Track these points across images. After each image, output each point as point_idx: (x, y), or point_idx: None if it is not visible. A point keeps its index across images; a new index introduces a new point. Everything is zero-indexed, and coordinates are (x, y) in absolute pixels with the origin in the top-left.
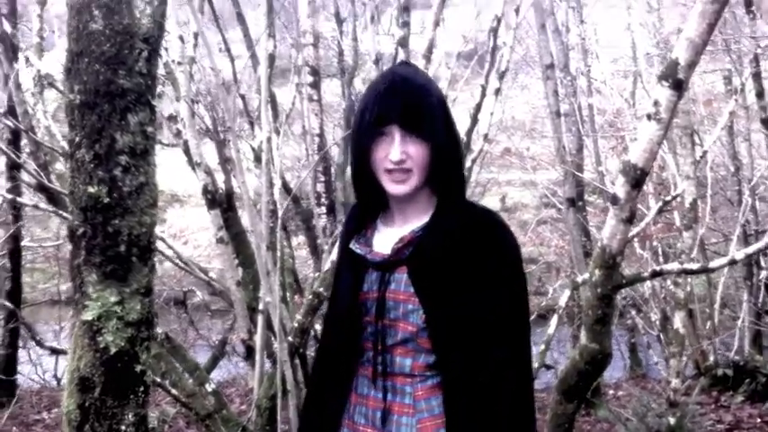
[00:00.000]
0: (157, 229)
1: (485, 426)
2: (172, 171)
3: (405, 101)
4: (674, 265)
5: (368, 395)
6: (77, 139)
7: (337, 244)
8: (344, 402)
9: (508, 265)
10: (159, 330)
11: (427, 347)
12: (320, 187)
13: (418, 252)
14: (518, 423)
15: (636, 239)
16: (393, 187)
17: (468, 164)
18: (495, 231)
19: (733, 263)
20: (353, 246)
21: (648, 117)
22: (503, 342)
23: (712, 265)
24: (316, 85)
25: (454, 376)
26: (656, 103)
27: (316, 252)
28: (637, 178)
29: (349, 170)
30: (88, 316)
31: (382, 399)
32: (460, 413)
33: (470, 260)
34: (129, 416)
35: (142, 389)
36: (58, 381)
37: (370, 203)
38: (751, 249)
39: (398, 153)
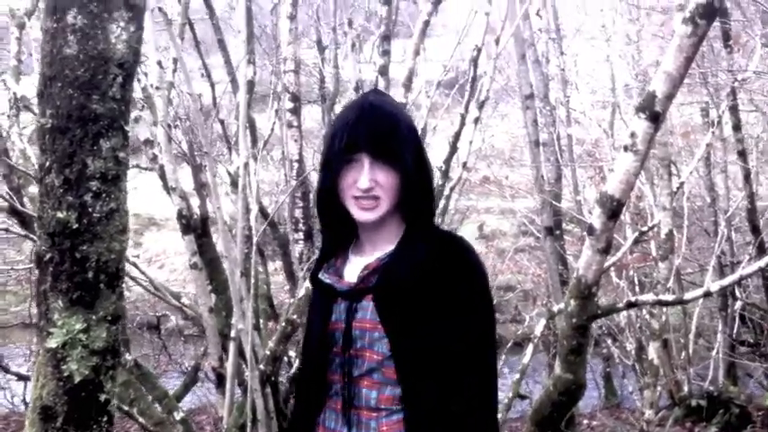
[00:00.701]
0: (134, 253)
1: None
2: (149, 195)
3: (373, 128)
4: (649, 296)
5: (335, 429)
6: (48, 163)
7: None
8: None
9: (476, 293)
10: (129, 357)
11: (393, 378)
12: (298, 213)
13: (383, 279)
14: None
15: (612, 269)
16: (360, 214)
17: (446, 191)
18: (462, 258)
19: (708, 295)
20: (322, 275)
21: (625, 148)
22: (471, 372)
23: (687, 296)
24: (296, 111)
25: (419, 406)
26: (632, 135)
27: (291, 278)
28: (613, 209)
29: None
30: (52, 343)
31: None
32: None
33: (437, 287)
34: None
35: (106, 419)
36: (27, 405)
37: (340, 232)
38: (725, 282)
39: (367, 181)
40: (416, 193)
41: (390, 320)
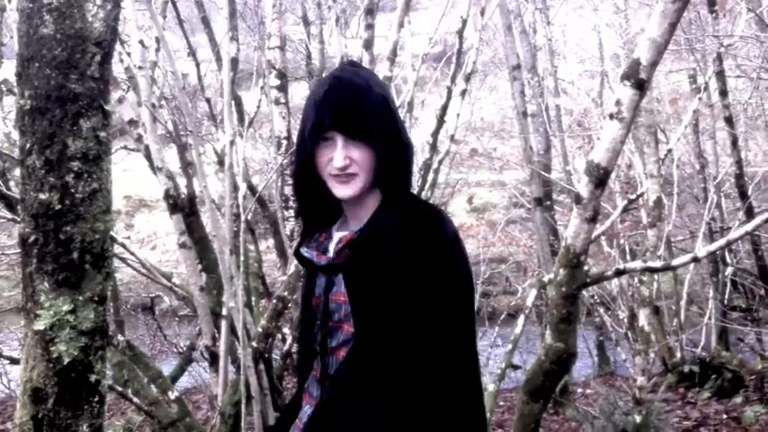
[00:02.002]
0: (125, 234)
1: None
2: (140, 176)
3: (342, 105)
4: (637, 264)
5: (314, 396)
6: (28, 145)
7: None
8: (300, 403)
9: (450, 271)
10: (121, 338)
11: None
12: (288, 190)
13: (353, 252)
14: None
15: (603, 238)
16: (339, 190)
17: (435, 165)
18: (436, 234)
19: (696, 260)
20: (303, 250)
21: (611, 116)
22: (443, 348)
23: (675, 262)
24: (283, 88)
25: (375, 383)
26: (618, 103)
27: (283, 256)
28: (600, 177)
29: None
30: (40, 325)
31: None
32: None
33: (409, 264)
34: (84, 427)
35: (97, 399)
36: None
37: (324, 209)
38: (713, 247)
39: (341, 159)
40: (390, 166)
41: (356, 296)
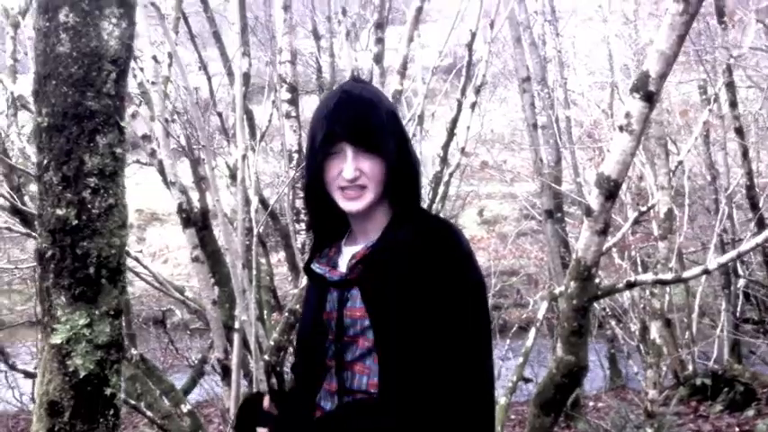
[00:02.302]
0: (137, 248)
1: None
2: (151, 190)
3: (352, 117)
4: (648, 276)
5: (330, 409)
6: (45, 161)
7: None
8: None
9: (463, 285)
10: (134, 352)
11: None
12: (299, 203)
13: (367, 267)
14: None
15: (615, 250)
16: (347, 204)
17: (445, 177)
18: (449, 247)
19: (707, 272)
20: (314, 266)
21: (621, 129)
22: (454, 362)
23: (686, 275)
24: (294, 102)
25: (391, 394)
26: (627, 115)
27: (294, 269)
28: (610, 190)
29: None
30: (57, 339)
31: None
32: None
33: (423, 277)
34: None
35: (112, 412)
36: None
37: (333, 224)
38: (724, 259)
39: (351, 171)
40: (400, 179)
41: (374, 310)
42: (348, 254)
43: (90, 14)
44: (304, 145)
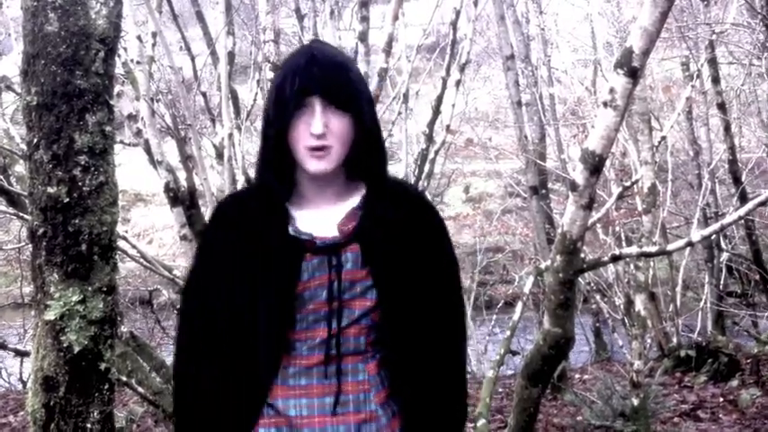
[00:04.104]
0: (121, 229)
1: (433, 398)
2: (135, 171)
3: (326, 72)
4: (632, 249)
5: (309, 384)
6: (35, 140)
7: (206, 245)
8: (258, 404)
9: (447, 244)
10: (124, 329)
11: (377, 322)
12: None
13: (365, 229)
14: (461, 397)
15: (599, 225)
16: (314, 164)
17: (431, 155)
18: (430, 210)
19: (690, 245)
20: (293, 231)
21: (605, 104)
22: (450, 319)
23: (670, 247)
24: None
25: (404, 351)
26: (611, 91)
27: None
28: (595, 165)
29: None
30: (51, 315)
31: (336, 383)
32: (411, 387)
33: (417, 240)
34: (95, 413)
35: (107, 386)
36: (24, 384)
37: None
38: (707, 231)
39: (320, 125)
40: (373, 139)
41: (378, 269)
42: (316, 218)
43: None
44: None
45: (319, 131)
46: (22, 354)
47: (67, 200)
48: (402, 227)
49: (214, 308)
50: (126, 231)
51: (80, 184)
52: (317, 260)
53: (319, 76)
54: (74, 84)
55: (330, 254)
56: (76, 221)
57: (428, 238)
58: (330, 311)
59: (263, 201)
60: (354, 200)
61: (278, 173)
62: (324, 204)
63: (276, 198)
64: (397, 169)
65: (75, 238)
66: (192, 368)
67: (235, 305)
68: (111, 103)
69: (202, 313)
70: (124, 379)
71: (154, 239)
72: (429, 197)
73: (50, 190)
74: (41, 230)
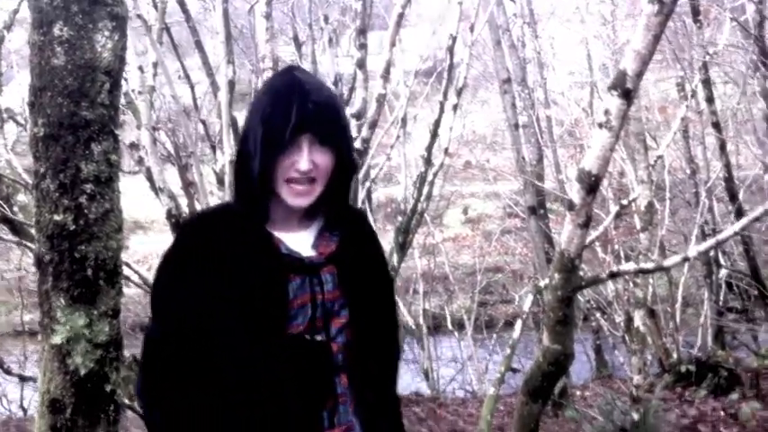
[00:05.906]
0: (122, 256)
1: (389, 407)
2: (133, 198)
3: (319, 108)
4: (630, 265)
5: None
6: (42, 169)
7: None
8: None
9: (383, 255)
10: (127, 353)
11: (349, 339)
12: None
13: (340, 251)
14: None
15: (598, 244)
16: (294, 199)
17: (429, 178)
18: (370, 225)
19: (686, 260)
20: (286, 250)
21: (600, 125)
22: (396, 329)
23: (667, 263)
24: None
25: (370, 363)
26: (606, 112)
27: None
28: (591, 184)
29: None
30: (57, 339)
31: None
32: (372, 397)
33: (377, 255)
34: None
35: (112, 408)
36: (25, 411)
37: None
38: (704, 246)
39: (307, 163)
40: (351, 173)
41: (349, 290)
42: (299, 240)
43: (84, 28)
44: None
45: (305, 168)
46: (25, 379)
47: (74, 227)
48: (359, 247)
49: (199, 327)
50: (126, 259)
51: (86, 211)
52: (299, 280)
53: (313, 112)
54: (80, 115)
55: (310, 274)
56: (82, 248)
57: (375, 253)
58: (315, 329)
59: (239, 222)
60: (317, 223)
61: (256, 198)
62: (295, 227)
63: (256, 220)
64: (395, 192)
65: (81, 263)
66: (177, 394)
67: (220, 325)
68: (117, 132)
69: (180, 335)
70: (127, 402)
71: (153, 266)
72: (427, 218)
73: (57, 218)
74: (48, 257)
